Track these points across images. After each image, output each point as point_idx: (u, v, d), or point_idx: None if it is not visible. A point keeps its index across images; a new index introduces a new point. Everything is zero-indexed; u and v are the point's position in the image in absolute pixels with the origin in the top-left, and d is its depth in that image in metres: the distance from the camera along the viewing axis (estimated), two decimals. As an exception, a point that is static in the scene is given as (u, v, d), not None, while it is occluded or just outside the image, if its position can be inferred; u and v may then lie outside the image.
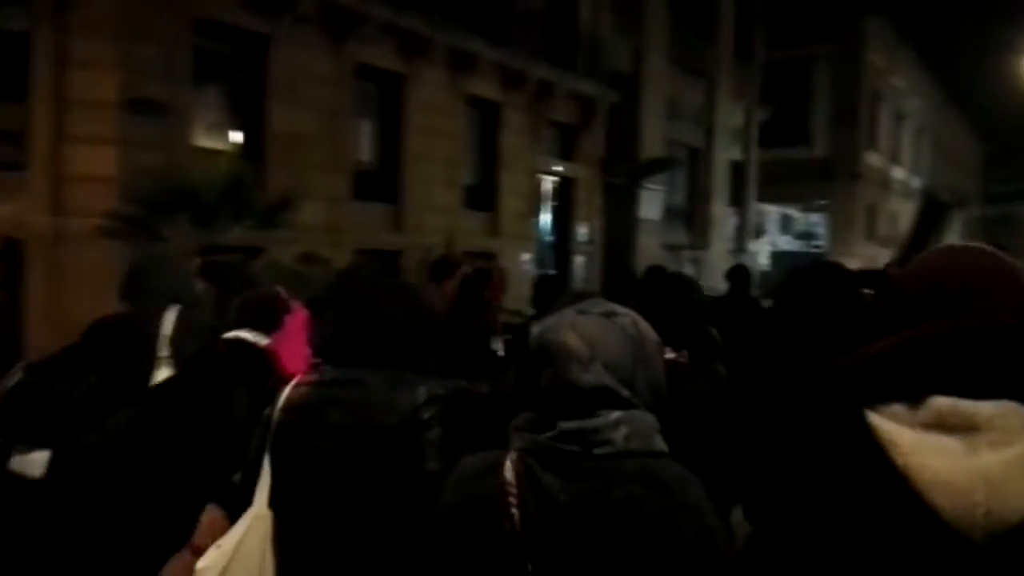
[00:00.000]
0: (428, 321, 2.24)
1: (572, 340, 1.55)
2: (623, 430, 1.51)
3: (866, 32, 29.03)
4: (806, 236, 31.49)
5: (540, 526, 1.47)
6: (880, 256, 29.74)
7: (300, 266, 8.06)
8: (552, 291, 4.54)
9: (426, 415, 2.00)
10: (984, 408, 1.14)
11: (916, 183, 38.00)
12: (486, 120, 12.41)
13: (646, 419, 1.55)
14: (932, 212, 35.93)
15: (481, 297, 4.97)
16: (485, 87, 12.00)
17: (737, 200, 19.92)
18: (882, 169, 32.37)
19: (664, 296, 2.97)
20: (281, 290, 3.27)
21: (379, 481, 1.95)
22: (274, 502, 2.06)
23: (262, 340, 2.92)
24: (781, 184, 26.99)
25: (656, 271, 6.88)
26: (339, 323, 2.20)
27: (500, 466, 1.52)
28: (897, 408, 1.18)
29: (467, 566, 1.53)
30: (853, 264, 15.45)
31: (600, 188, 14.51)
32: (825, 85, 29.16)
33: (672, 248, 16.45)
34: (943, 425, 1.15)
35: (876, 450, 1.16)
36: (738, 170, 19.83)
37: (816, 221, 31.40)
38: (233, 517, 2.21)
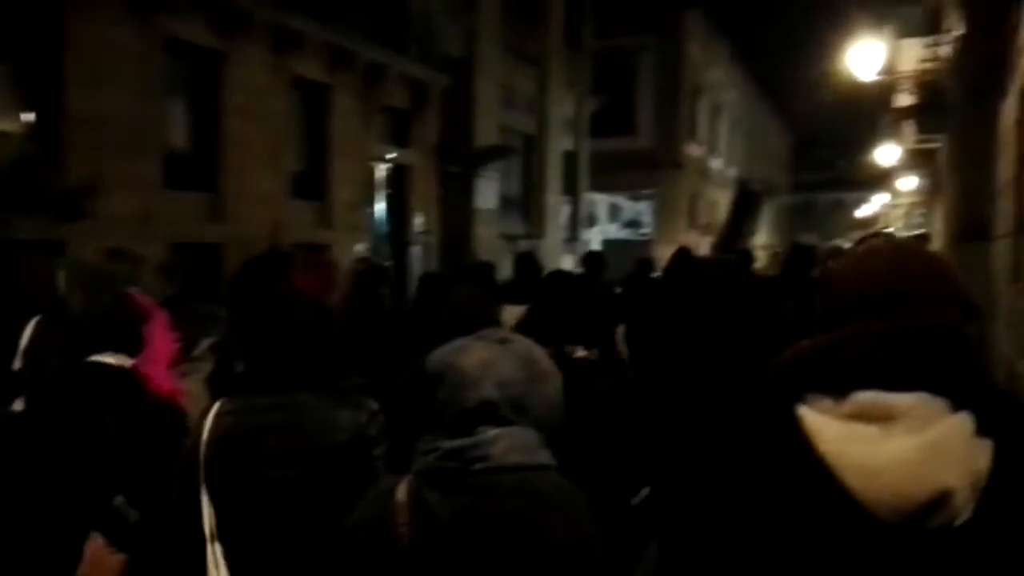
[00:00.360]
0: (335, 329, 2.26)
1: (466, 361, 1.63)
2: (501, 444, 1.58)
3: (686, 24, 30.09)
4: (633, 224, 32.42)
5: (424, 543, 1.54)
6: (702, 243, 31.06)
7: (107, 263, 7.18)
8: (438, 289, 4.29)
9: (373, 431, 2.07)
10: (902, 399, 1.24)
11: (732, 173, 40.00)
12: (313, 103, 11.72)
13: (527, 434, 1.61)
14: (746, 201, 38.07)
15: (377, 294, 4.62)
16: (312, 68, 11.30)
17: (570, 189, 20.05)
18: (702, 159, 33.77)
19: (573, 297, 3.09)
20: (134, 292, 3.03)
21: (337, 501, 1.94)
22: (223, 535, 2.02)
23: (126, 362, 2.74)
24: (610, 173, 27.57)
25: (559, 274, 6.83)
26: (257, 345, 2.16)
27: (395, 489, 1.60)
28: (826, 402, 1.28)
29: None
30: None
31: (435, 176, 14.10)
32: (649, 76, 30.01)
33: (509, 238, 16.29)
34: (865, 415, 1.25)
35: (801, 440, 1.26)
36: (571, 159, 19.96)
37: (642, 209, 32.37)
38: (117, 544, 2.26)
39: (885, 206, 48.77)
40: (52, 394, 2.69)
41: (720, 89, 37.05)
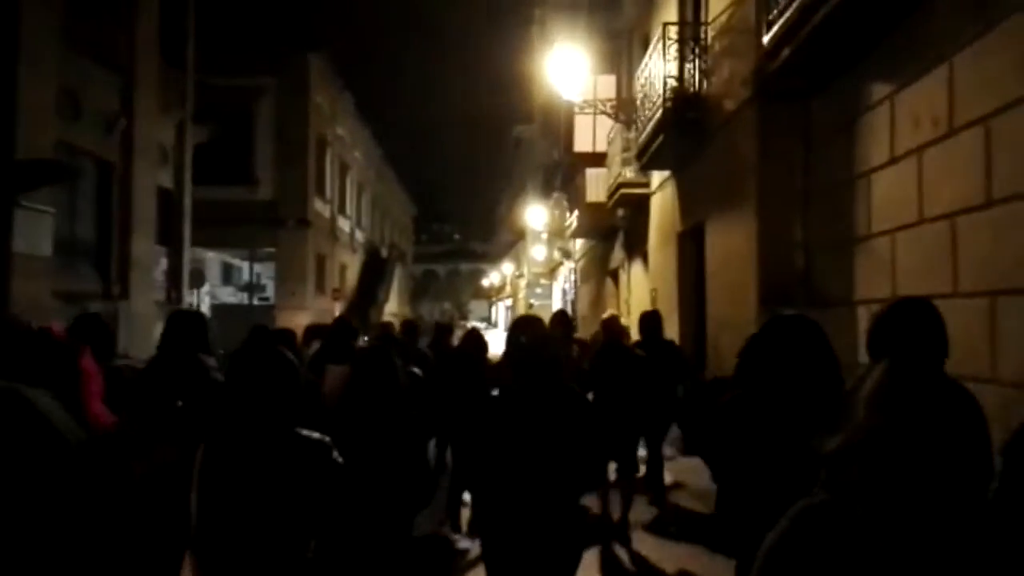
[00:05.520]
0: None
1: None
2: None
3: (309, 69, 27.13)
4: (252, 287, 28.33)
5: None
6: (332, 309, 27.79)
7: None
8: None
9: None
10: None
11: (360, 236, 37.52)
12: None
13: None
14: (378, 266, 35.54)
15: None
16: None
17: (169, 239, 15.74)
18: (330, 218, 30.75)
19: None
20: (56, 326, 3.16)
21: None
22: None
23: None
24: (224, 227, 23.41)
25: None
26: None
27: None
28: None
29: None
30: (303, 318, 13.38)
31: (-63, 199, 9.27)
32: (270, 122, 26.48)
33: (73, 297, 11.70)
34: None
35: None
36: (169, 201, 15.71)
37: (263, 271, 28.42)
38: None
39: (511, 276, 49.76)
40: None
41: (346, 147, 34.55)
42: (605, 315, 8.31)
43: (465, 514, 7.05)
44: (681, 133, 9.16)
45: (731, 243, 8.20)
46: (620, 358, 7.40)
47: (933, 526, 1.50)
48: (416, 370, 6.08)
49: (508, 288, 51.64)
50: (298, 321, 22.48)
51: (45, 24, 11.11)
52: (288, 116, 26.43)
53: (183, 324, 4.40)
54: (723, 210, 8.50)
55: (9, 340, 2.84)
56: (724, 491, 3.07)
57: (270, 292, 27.29)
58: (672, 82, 8.92)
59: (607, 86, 12.63)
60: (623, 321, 9.87)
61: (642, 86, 10.17)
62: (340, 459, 2.95)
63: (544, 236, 31.49)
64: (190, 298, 17.07)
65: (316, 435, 2.94)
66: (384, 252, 40.76)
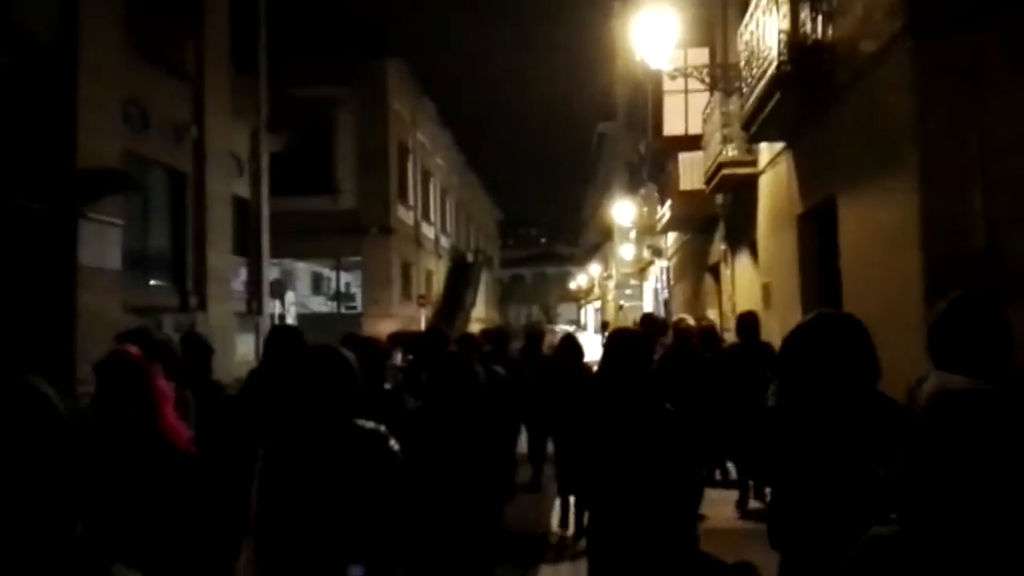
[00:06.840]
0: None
1: None
2: None
3: (387, 77, 26.81)
4: (340, 296, 28.21)
5: None
6: (418, 316, 27.39)
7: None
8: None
9: None
10: None
11: (445, 242, 37.19)
12: None
13: None
14: (465, 272, 35.12)
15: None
16: None
17: (247, 248, 15.43)
18: (414, 225, 30.42)
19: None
20: (131, 349, 3.38)
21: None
22: None
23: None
24: (308, 238, 23.29)
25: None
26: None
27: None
28: None
29: None
30: (389, 326, 12.72)
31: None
32: (350, 132, 26.26)
33: (148, 311, 11.35)
34: None
35: None
36: (246, 210, 15.40)
37: (351, 280, 28.28)
38: None
39: (599, 278, 48.76)
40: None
41: (428, 153, 34.23)
42: (675, 318, 8.27)
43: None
44: (801, 91, 7.53)
45: (878, 222, 6.62)
46: (687, 361, 7.43)
47: (1005, 559, 1.43)
48: (499, 369, 6.21)
49: (596, 290, 50.59)
50: (383, 328, 22.07)
51: (106, 31, 10.78)
52: (368, 125, 26.20)
53: (283, 339, 4.68)
54: (863, 182, 6.87)
55: (104, 364, 3.24)
56: (777, 494, 3.05)
57: (359, 301, 27.09)
58: (786, 34, 7.41)
59: (699, 58, 11.58)
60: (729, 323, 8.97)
61: (747, 43, 8.76)
62: (397, 447, 3.00)
63: (632, 234, 30.36)
64: (272, 309, 16.74)
65: (371, 424, 2.99)
66: (470, 257, 40.40)
